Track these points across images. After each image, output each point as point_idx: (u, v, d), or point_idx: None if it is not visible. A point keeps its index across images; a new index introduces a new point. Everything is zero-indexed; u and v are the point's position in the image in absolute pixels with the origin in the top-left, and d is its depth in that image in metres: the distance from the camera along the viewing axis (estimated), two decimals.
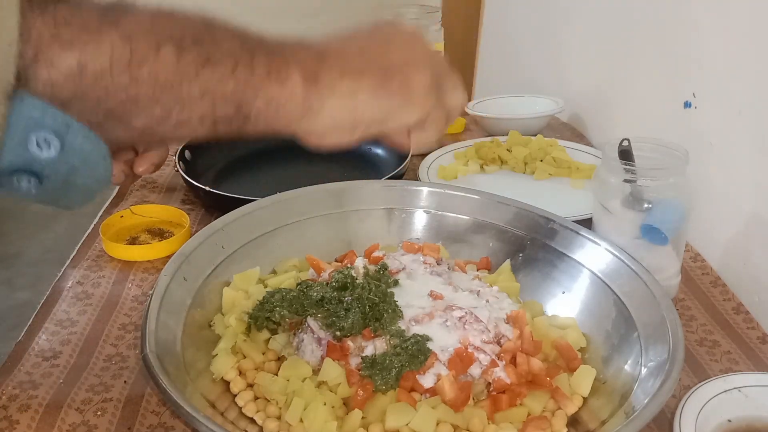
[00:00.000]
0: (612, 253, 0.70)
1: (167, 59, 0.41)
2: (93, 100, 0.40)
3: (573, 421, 0.60)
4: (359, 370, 0.60)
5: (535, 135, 1.17)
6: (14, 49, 0.37)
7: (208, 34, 0.44)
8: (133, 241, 0.90)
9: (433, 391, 0.59)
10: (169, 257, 0.68)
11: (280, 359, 0.64)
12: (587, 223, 0.78)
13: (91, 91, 0.40)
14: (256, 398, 0.61)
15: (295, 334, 0.65)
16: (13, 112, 0.38)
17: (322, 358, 0.61)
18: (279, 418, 0.59)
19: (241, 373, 0.63)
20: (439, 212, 0.81)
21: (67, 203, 0.45)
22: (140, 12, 0.42)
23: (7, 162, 0.39)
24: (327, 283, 0.67)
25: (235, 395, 0.61)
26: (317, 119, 0.48)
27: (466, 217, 0.80)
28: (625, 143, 0.74)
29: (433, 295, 0.67)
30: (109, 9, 0.41)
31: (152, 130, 0.44)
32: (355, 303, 0.63)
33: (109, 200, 1.01)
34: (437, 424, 0.57)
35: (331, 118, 0.49)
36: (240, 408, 0.60)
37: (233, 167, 1.10)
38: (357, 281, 0.66)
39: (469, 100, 1.35)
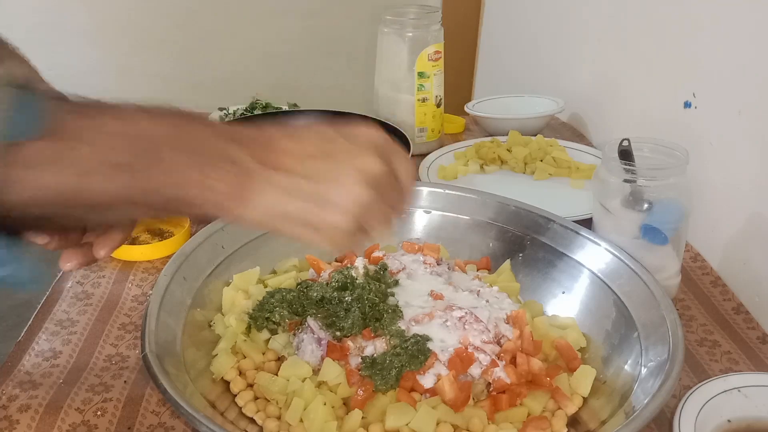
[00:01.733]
0: (612, 253, 0.70)
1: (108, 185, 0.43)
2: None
3: (573, 421, 0.60)
4: (359, 370, 0.60)
5: (535, 135, 1.17)
6: None
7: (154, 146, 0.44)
8: (133, 241, 0.90)
9: (433, 391, 0.59)
10: (169, 257, 0.68)
11: (280, 359, 0.64)
12: (587, 223, 0.78)
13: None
14: (256, 398, 0.61)
15: (295, 334, 0.65)
16: None
17: (322, 358, 0.61)
18: (279, 418, 0.59)
19: (241, 373, 0.63)
20: (439, 212, 0.81)
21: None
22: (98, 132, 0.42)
23: None
24: (327, 283, 0.67)
25: (235, 395, 0.61)
26: (246, 223, 0.49)
27: (466, 217, 0.80)
28: (625, 143, 0.74)
29: (434, 295, 0.67)
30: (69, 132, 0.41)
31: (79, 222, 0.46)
32: (355, 303, 0.63)
33: None
34: (437, 424, 0.57)
35: (261, 225, 0.49)
36: (240, 408, 0.60)
37: None
38: (357, 281, 0.66)
39: (469, 100, 1.35)
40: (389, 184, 0.52)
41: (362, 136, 0.52)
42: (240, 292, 0.70)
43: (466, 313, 0.64)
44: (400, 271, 0.71)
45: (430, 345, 0.61)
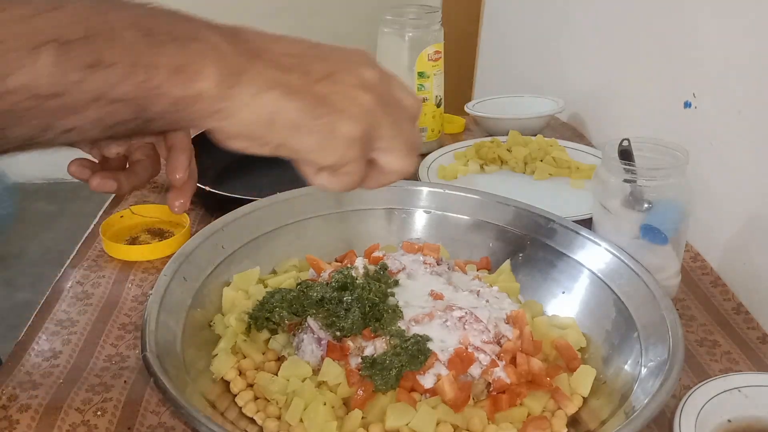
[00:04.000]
0: (612, 253, 0.70)
1: (45, 65, 0.36)
2: None
3: (573, 421, 0.60)
4: (359, 370, 0.60)
5: (535, 135, 1.17)
6: None
7: (106, 24, 0.38)
8: (133, 241, 0.90)
9: (433, 391, 0.59)
10: (169, 257, 0.68)
11: (280, 359, 0.64)
12: (587, 223, 0.78)
13: None
14: (256, 398, 0.61)
15: (294, 334, 0.65)
16: None
17: (322, 358, 0.61)
18: (279, 418, 0.59)
19: (241, 373, 0.63)
20: (439, 212, 0.81)
21: None
22: (26, 2, 0.36)
23: None
24: (327, 283, 0.67)
25: (235, 395, 0.61)
26: (226, 123, 0.43)
27: (466, 217, 0.80)
28: (625, 143, 0.74)
29: (434, 295, 0.67)
30: None
31: (35, 140, 0.39)
32: (355, 303, 0.63)
33: (109, 200, 1.01)
34: (437, 424, 0.57)
35: (243, 126, 0.43)
36: (240, 408, 0.60)
37: (233, 167, 1.10)
38: (357, 281, 0.66)
39: (469, 100, 1.35)
40: (394, 101, 0.47)
41: (352, 51, 0.46)
42: (240, 292, 0.70)
43: (466, 313, 0.64)
44: (400, 271, 0.71)
45: (430, 345, 0.61)
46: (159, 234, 0.92)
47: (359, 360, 0.61)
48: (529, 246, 0.76)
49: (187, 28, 0.41)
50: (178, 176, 0.49)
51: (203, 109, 0.41)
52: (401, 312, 0.64)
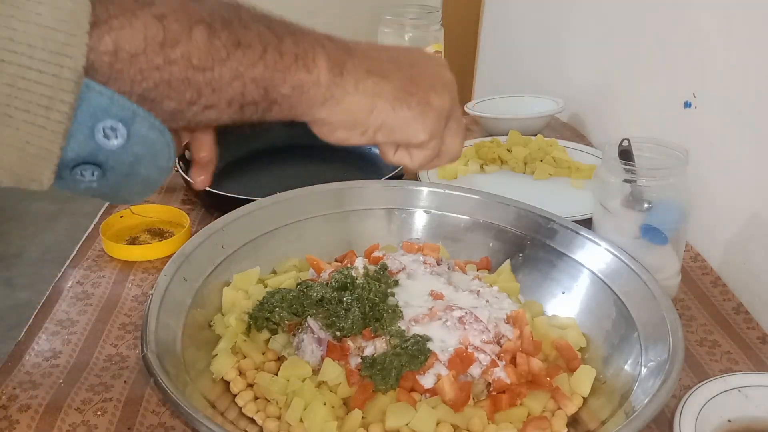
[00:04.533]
0: (612, 253, 0.70)
1: (199, 40, 0.41)
2: (127, 82, 0.39)
3: (573, 421, 0.60)
4: (359, 370, 0.60)
5: (535, 135, 1.17)
6: (86, 36, 0.36)
7: (236, 17, 0.43)
8: (133, 241, 0.90)
9: (433, 391, 0.59)
10: (169, 257, 0.68)
11: (280, 359, 0.64)
12: (587, 223, 0.78)
13: (125, 73, 0.39)
14: (256, 398, 0.61)
15: (294, 334, 0.65)
16: (81, 101, 0.37)
17: (322, 358, 0.61)
18: (279, 418, 0.59)
19: (241, 373, 0.63)
20: (439, 212, 0.81)
21: (127, 196, 0.44)
22: None
23: (73, 153, 0.38)
24: (327, 283, 0.67)
25: (235, 395, 0.61)
26: (335, 110, 0.48)
27: (466, 217, 0.80)
28: (625, 143, 0.74)
29: (434, 295, 0.67)
30: None
31: (181, 114, 0.43)
32: (355, 303, 0.63)
33: None
34: (437, 424, 0.57)
35: (349, 112, 0.49)
36: (240, 408, 0.60)
37: (233, 167, 1.10)
38: (357, 281, 0.66)
39: (469, 100, 1.35)
40: (456, 121, 0.55)
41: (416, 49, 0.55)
42: (240, 292, 0.70)
43: (466, 313, 0.64)
44: (400, 271, 0.71)
45: (430, 345, 0.61)
46: (159, 234, 0.92)
47: (359, 360, 0.61)
48: (529, 246, 0.76)
49: (293, 25, 0.47)
50: (203, 155, 0.55)
51: (318, 95, 0.47)
52: (401, 312, 0.64)
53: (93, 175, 0.40)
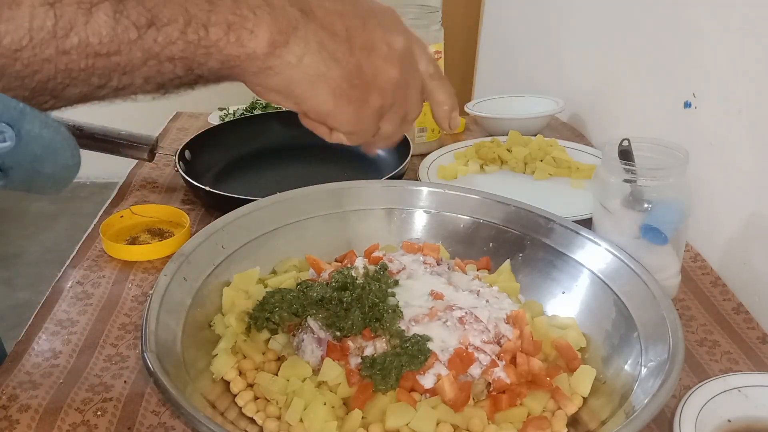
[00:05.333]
0: (612, 253, 0.70)
1: (102, 23, 0.37)
2: (14, 78, 0.36)
3: (573, 421, 0.60)
4: (359, 370, 0.60)
5: (535, 135, 1.17)
6: None
7: None
8: (133, 241, 0.90)
9: (433, 391, 0.59)
10: (169, 257, 0.68)
11: (280, 359, 0.64)
12: (587, 223, 0.78)
13: (10, 68, 0.36)
14: (256, 398, 0.61)
15: (294, 334, 0.65)
16: None
17: (322, 358, 0.61)
18: (279, 418, 0.59)
19: (241, 373, 0.63)
20: (439, 212, 0.81)
21: (42, 192, 0.41)
22: None
23: None
24: (327, 283, 0.67)
25: (235, 395, 0.61)
26: (271, 80, 0.45)
27: (466, 217, 0.80)
28: (625, 143, 0.74)
29: (434, 295, 0.67)
30: None
31: (90, 97, 0.40)
32: (355, 303, 0.63)
33: (109, 200, 1.02)
34: (437, 424, 0.57)
35: (286, 84, 0.45)
36: (240, 408, 0.60)
37: (233, 167, 1.10)
38: (357, 281, 0.66)
39: (469, 100, 1.35)
40: (412, 71, 0.52)
41: (385, 10, 0.51)
42: (240, 292, 0.70)
43: (466, 313, 0.64)
44: (400, 271, 0.71)
45: (430, 345, 0.61)
46: (159, 234, 0.92)
47: (359, 360, 0.61)
48: (529, 246, 0.76)
49: None
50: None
51: (253, 66, 0.43)
52: (401, 312, 0.64)
53: None
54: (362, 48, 0.48)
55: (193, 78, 0.42)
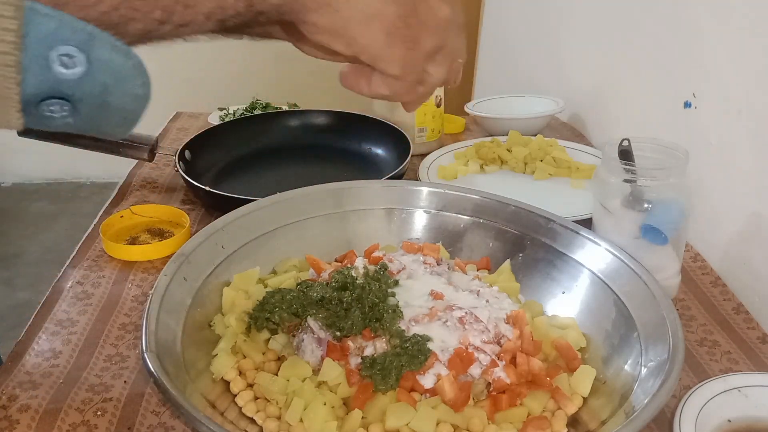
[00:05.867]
0: (612, 253, 0.70)
1: None
2: (77, 6, 0.35)
3: (573, 421, 0.60)
4: (359, 370, 0.60)
5: (535, 135, 1.17)
6: None
7: None
8: (133, 241, 0.90)
9: (433, 391, 0.59)
10: (169, 257, 0.68)
11: (280, 359, 0.64)
12: (587, 223, 0.78)
13: None
14: (256, 398, 0.61)
15: (294, 334, 0.65)
16: (27, 27, 0.32)
17: (322, 358, 0.61)
18: (279, 418, 0.59)
19: (241, 373, 0.63)
20: (439, 212, 0.81)
21: (110, 129, 0.39)
22: None
23: (33, 88, 0.34)
24: (327, 283, 0.67)
25: (235, 395, 0.61)
26: (328, 16, 0.44)
27: (466, 217, 0.80)
28: (625, 143, 0.74)
29: (434, 295, 0.67)
30: None
31: (152, 35, 0.38)
32: (355, 303, 0.63)
33: (109, 200, 1.02)
34: (437, 424, 0.57)
35: (342, 21, 0.45)
36: (240, 408, 0.60)
37: (233, 167, 1.10)
38: (357, 281, 0.66)
39: (469, 100, 1.35)
40: (458, 15, 0.51)
41: None
42: (240, 292, 0.70)
43: (466, 313, 0.64)
44: (400, 271, 0.71)
45: (430, 345, 0.61)
46: (159, 234, 0.92)
47: (359, 360, 0.61)
48: (529, 246, 0.76)
49: None
50: None
51: (310, 2, 0.42)
52: (401, 312, 0.64)
53: (63, 110, 0.36)
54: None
55: (253, 15, 0.41)
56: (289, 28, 0.48)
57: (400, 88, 0.51)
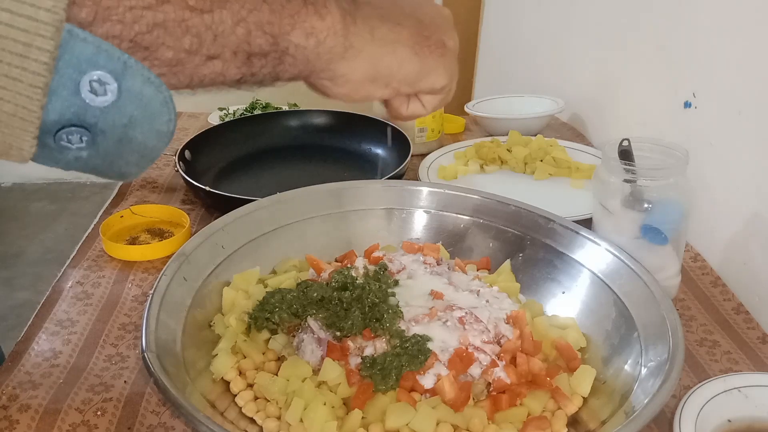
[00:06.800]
0: (612, 253, 0.70)
1: None
2: (116, 24, 0.34)
3: (573, 421, 0.60)
4: (359, 370, 0.60)
5: (535, 135, 1.17)
6: None
7: None
8: (133, 241, 0.90)
9: (433, 391, 0.59)
10: (169, 257, 0.68)
11: (280, 359, 0.64)
12: (587, 223, 0.78)
13: (114, 11, 0.34)
14: (256, 398, 0.61)
15: (294, 334, 0.65)
16: (62, 50, 0.32)
17: (322, 358, 0.61)
18: (279, 418, 0.59)
19: (241, 373, 0.63)
20: (439, 212, 0.81)
21: (122, 168, 0.38)
22: None
23: (56, 114, 0.33)
24: (327, 283, 0.67)
25: (235, 395, 0.61)
26: (356, 62, 0.45)
27: (466, 217, 0.80)
28: (625, 143, 0.74)
29: (434, 295, 0.67)
30: None
31: (181, 66, 0.38)
32: (355, 303, 0.63)
33: (109, 200, 1.02)
34: (437, 424, 0.57)
35: (371, 63, 0.46)
36: (240, 408, 0.60)
37: (233, 167, 1.10)
38: (357, 281, 0.66)
39: (469, 100, 1.35)
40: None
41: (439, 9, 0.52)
42: (240, 292, 0.70)
43: (466, 313, 0.64)
44: (400, 271, 0.71)
45: (430, 345, 0.61)
46: (159, 234, 0.92)
47: (359, 360, 0.61)
48: (529, 246, 0.76)
49: None
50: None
51: (337, 45, 0.43)
52: (401, 312, 0.64)
53: (81, 140, 0.35)
54: (409, 5, 0.49)
55: (278, 54, 0.41)
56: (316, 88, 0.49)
57: (439, 101, 0.53)
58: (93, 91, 0.33)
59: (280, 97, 1.43)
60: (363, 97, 0.48)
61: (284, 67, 0.42)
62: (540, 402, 0.60)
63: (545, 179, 1.07)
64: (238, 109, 1.36)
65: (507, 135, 1.15)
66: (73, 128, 0.34)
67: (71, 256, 0.86)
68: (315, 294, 0.65)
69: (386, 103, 0.53)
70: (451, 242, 0.80)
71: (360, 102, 0.48)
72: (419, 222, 0.82)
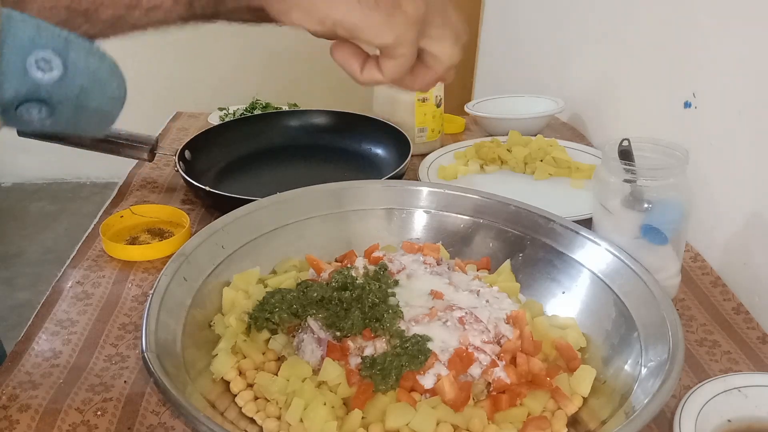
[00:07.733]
0: (612, 253, 0.70)
1: None
2: None
3: (573, 421, 0.60)
4: (359, 370, 0.60)
5: (535, 135, 1.17)
6: None
7: None
8: (133, 241, 0.90)
9: (433, 391, 0.59)
10: (169, 257, 0.68)
11: (280, 359, 0.64)
12: (587, 223, 0.78)
13: None
14: (256, 398, 0.61)
15: (294, 335, 0.65)
16: (4, 34, 0.33)
17: (322, 358, 0.61)
18: (279, 418, 0.59)
19: (241, 373, 0.63)
20: (439, 212, 0.81)
21: (87, 129, 0.40)
22: None
23: (11, 92, 0.35)
24: (327, 283, 0.67)
25: (235, 395, 0.61)
26: None
27: (466, 217, 0.80)
28: (625, 143, 0.74)
29: (434, 295, 0.67)
30: None
31: (122, 21, 0.39)
32: (355, 303, 0.63)
33: (109, 200, 1.02)
34: (437, 424, 0.57)
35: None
36: (240, 408, 0.60)
37: (233, 167, 1.10)
38: (357, 281, 0.66)
39: (469, 100, 1.35)
40: (439, 27, 0.48)
41: None
42: (240, 292, 0.70)
43: (466, 313, 0.64)
44: (400, 271, 0.71)
45: (430, 345, 0.61)
46: (159, 234, 0.92)
47: (359, 360, 0.61)
48: (529, 246, 0.76)
49: None
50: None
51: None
52: (401, 312, 0.64)
53: (41, 112, 0.37)
54: None
55: None
56: (260, 13, 0.46)
57: (394, 67, 0.48)
58: (40, 69, 0.35)
59: (280, 97, 1.43)
60: (293, 22, 0.45)
61: (225, 4, 0.42)
62: (540, 402, 0.60)
63: (545, 179, 1.07)
64: (238, 109, 1.36)
65: (507, 135, 1.15)
66: (30, 103, 0.36)
67: (71, 256, 0.86)
68: (315, 294, 0.65)
69: (342, 60, 0.49)
70: (451, 242, 0.80)
71: (293, 26, 0.46)
72: (419, 222, 0.82)
